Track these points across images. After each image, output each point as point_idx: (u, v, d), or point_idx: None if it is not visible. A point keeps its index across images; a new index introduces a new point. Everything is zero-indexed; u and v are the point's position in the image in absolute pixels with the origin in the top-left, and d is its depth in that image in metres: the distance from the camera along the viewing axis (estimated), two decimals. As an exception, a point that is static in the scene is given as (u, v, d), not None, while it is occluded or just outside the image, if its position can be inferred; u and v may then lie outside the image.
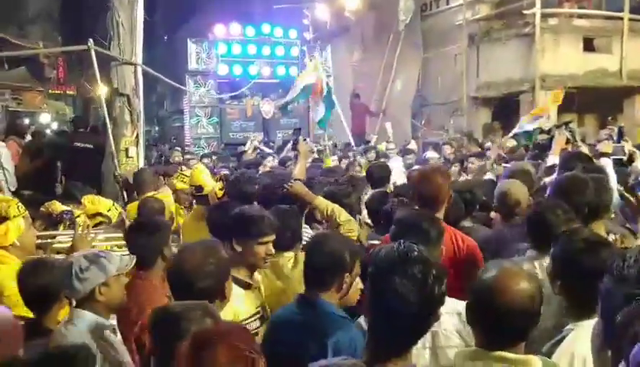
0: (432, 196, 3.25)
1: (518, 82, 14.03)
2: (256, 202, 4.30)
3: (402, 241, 1.82)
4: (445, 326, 2.33)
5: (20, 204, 3.09)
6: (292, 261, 3.29)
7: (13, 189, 7.56)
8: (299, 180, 4.27)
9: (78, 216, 3.61)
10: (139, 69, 6.83)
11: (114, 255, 2.58)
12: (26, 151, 8.59)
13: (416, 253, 1.74)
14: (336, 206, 3.84)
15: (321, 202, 3.89)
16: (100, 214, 3.69)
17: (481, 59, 15.14)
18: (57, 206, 3.70)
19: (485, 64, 15.03)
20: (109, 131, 6.65)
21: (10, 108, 14.31)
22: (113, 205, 4.01)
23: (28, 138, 9.70)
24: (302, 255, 3.22)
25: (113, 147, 6.64)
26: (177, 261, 2.38)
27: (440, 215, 3.22)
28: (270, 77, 15.35)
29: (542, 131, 7.39)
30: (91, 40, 6.62)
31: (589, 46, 13.94)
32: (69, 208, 3.66)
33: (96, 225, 3.53)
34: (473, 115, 15.38)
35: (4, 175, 7.55)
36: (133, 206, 4.59)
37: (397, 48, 16.60)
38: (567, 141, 5.97)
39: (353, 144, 12.12)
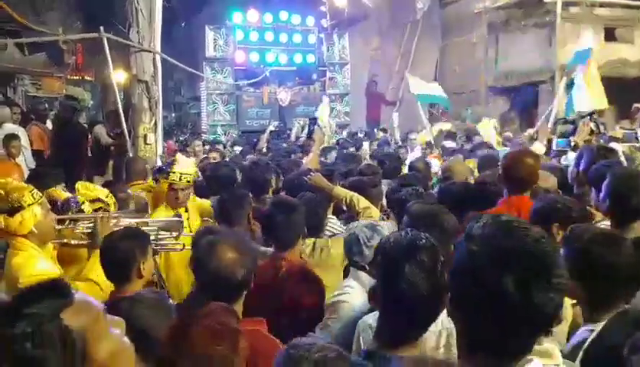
0: (523, 177, 3.31)
1: (537, 72, 13.87)
2: (284, 193, 4.40)
3: (409, 229, 1.88)
4: None
5: (35, 191, 3.08)
6: (309, 248, 3.33)
7: (32, 166, 7.73)
8: (309, 169, 4.36)
9: (83, 203, 3.57)
10: (158, 57, 6.86)
11: (383, 225, 2.99)
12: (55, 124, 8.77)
13: (424, 241, 1.78)
14: (355, 194, 3.87)
15: (340, 191, 3.95)
16: (100, 200, 3.64)
17: (500, 48, 14.98)
18: (60, 193, 3.70)
19: (504, 53, 14.87)
20: (122, 116, 6.75)
21: (29, 94, 14.43)
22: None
23: (48, 123, 9.81)
24: (320, 242, 3.31)
25: (126, 133, 6.72)
26: (211, 253, 2.28)
27: (527, 195, 3.30)
28: (287, 65, 15.35)
29: (566, 121, 7.30)
30: (102, 27, 6.67)
31: (610, 35, 13.74)
32: (72, 195, 3.64)
33: (95, 211, 3.49)
34: (491, 104, 15.25)
35: (23, 155, 7.75)
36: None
37: (415, 36, 16.49)
38: (591, 132, 5.91)
39: (361, 132, 12.14)
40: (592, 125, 6.05)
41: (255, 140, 10.95)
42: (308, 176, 4.15)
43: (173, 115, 24.09)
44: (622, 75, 13.45)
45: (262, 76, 14.29)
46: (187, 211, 4.21)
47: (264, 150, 9.15)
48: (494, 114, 14.93)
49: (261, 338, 2.09)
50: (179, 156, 4.38)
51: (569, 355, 2.01)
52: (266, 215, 3.10)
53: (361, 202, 3.81)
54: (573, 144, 5.55)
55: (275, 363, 1.43)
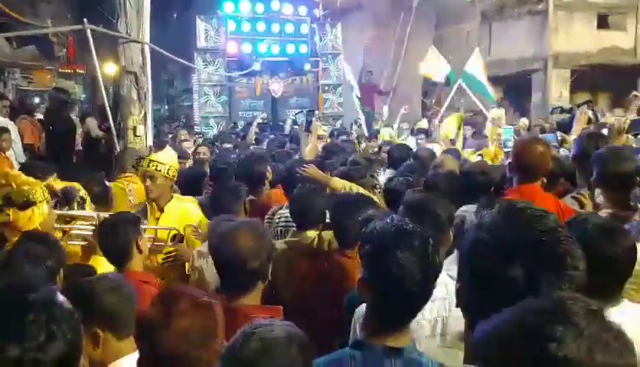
0: (534, 165, 3.20)
1: (530, 61, 13.88)
2: (281, 185, 4.37)
3: (392, 216, 1.87)
4: (457, 313, 2.24)
5: (44, 188, 3.05)
6: (315, 241, 3.25)
7: (22, 160, 7.67)
8: (305, 161, 4.28)
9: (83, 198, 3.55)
10: (147, 48, 6.78)
11: None
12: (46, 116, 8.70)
13: (411, 226, 1.77)
14: (353, 185, 3.78)
15: (337, 182, 3.85)
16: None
17: (493, 36, 14.98)
18: (57, 183, 3.65)
19: (497, 42, 14.86)
20: (108, 109, 6.69)
21: (20, 87, 14.35)
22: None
23: (38, 116, 9.75)
24: (326, 234, 3.22)
25: (113, 126, 6.66)
26: (228, 239, 2.34)
27: (538, 184, 3.20)
28: (280, 55, 15.25)
29: (562, 111, 7.28)
30: (85, 19, 6.59)
31: (603, 23, 13.75)
32: (70, 184, 3.60)
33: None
34: (484, 93, 15.21)
35: (13, 149, 7.69)
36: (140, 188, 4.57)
37: (409, 25, 16.42)
38: (589, 121, 5.87)
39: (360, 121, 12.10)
40: (589, 113, 6.03)
41: (242, 133, 10.90)
42: (302, 168, 4.05)
43: (166, 107, 24.00)
44: (615, 62, 13.46)
45: (254, 67, 14.20)
46: (162, 211, 3.84)
47: (253, 141, 9.09)
48: (487, 103, 14.92)
49: (265, 312, 2.12)
50: (167, 147, 4.23)
51: None
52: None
53: (361, 191, 3.67)
54: (560, 138, 5.49)
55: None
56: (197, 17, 14.86)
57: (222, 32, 14.82)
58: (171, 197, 3.92)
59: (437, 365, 1.77)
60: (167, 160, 3.85)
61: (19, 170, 5.41)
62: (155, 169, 3.77)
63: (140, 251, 2.86)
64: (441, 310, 2.19)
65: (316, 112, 13.58)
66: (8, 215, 2.88)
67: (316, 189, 3.53)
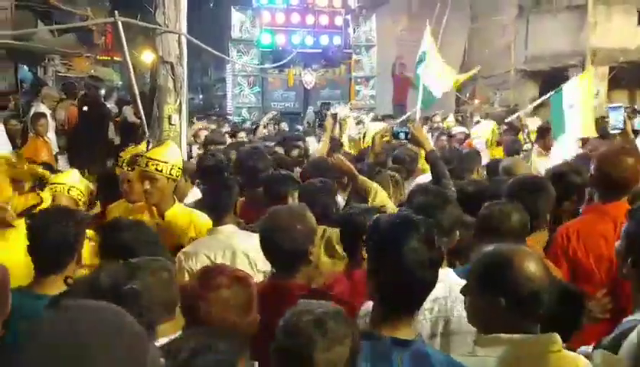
0: (621, 180, 2.87)
1: (568, 56, 13.64)
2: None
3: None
4: (458, 313, 2.20)
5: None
6: (319, 235, 3.20)
7: (56, 150, 7.90)
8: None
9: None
10: (183, 38, 6.92)
11: None
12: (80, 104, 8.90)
13: (416, 218, 1.86)
14: (377, 189, 3.61)
15: (364, 180, 3.71)
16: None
17: (530, 30, 14.75)
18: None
19: (534, 36, 14.63)
20: (138, 99, 6.83)
21: (60, 74, 14.68)
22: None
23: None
24: (330, 231, 3.21)
25: (143, 114, 6.82)
26: (268, 223, 2.48)
27: (625, 201, 2.83)
28: (313, 47, 15.27)
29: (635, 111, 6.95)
30: (117, 12, 6.75)
31: (643, 19, 13.42)
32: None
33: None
34: (520, 88, 15.03)
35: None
36: None
37: (444, 18, 16.26)
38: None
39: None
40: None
41: (254, 127, 10.90)
42: (332, 157, 3.95)
43: (200, 96, 24.23)
44: (656, 59, 13.13)
45: (288, 58, 14.26)
46: (162, 218, 3.34)
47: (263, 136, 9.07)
48: (522, 98, 14.73)
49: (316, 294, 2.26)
50: (169, 142, 3.78)
51: (609, 346, 1.91)
52: None
53: (378, 197, 3.51)
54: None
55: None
56: (232, 8, 14.98)
57: (257, 23, 14.92)
58: (174, 201, 3.40)
59: (443, 356, 1.83)
60: (169, 157, 3.32)
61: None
62: (156, 169, 3.25)
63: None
64: (442, 310, 2.20)
65: (339, 103, 13.43)
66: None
67: (320, 186, 3.45)
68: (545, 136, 6.60)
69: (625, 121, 4.89)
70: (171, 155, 3.34)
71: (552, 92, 6.96)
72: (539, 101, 8.98)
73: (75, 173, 3.81)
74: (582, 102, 6.67)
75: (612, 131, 5.24)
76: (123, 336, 0.92)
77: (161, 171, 3.24)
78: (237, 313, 1.89)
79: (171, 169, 3.28)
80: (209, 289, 1.89)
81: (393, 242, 1.78)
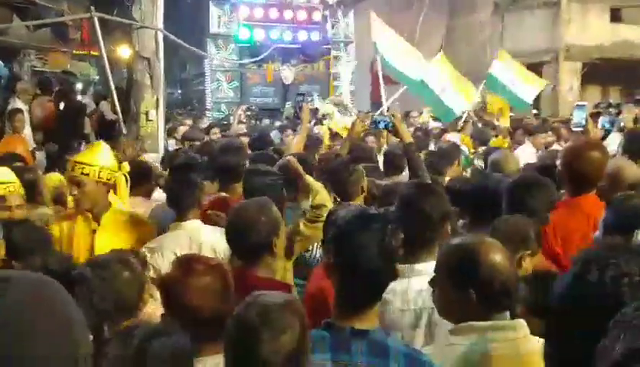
0: (589, 174, 2.89)
1: (543, 53, 13.83)
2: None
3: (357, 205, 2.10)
4: None
5: None
6: None
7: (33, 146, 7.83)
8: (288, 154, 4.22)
9: None
10: (160, 34, 6.92)
11: None
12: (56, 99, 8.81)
13: (372, 211, 1.97)
14: (319, 188, 3.22)
15: (309, 181, 3.32)
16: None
17: (505, 27, 14.93)
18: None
19: (510, 33, 14.81)
20: (114, 95, 6.82)
21: (36, 68, 14.50)
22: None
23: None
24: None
25: (119, 110, 6.82)
26: (234, 215, 2.64)
27: (594, 193, 2.88)
28: (292, 42, 15.27)
29: (610, 106, 7.08)
30: (93, 7, 6.74)
31: (616, 16, 13.67)
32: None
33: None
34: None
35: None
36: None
37: (421, 14, 16.40)
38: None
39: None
40: (637, 111, 5.91)
41: (224, 122, 10.84)
42: (287, 158, 3.66)
43: (179, 91, 24.03)
44: (629, 56, 13.39)
45: (266, 54, 14.25)
46: (98, 223, 3.14)
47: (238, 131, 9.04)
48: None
49: (274, 285, 2.37)
50: (99, 143, 3.51)
51: None
52: None
53: (317, 199, 3.12)
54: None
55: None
56: (210, 3, 14.91)
57: (234, 18, 14.88)
58: (110, 204, 3.20)
59: (402, 346, 1.87)
60: (97, 160, 3.13)
61: None
62: (82, 173, 3.07)
63: None
64: (426, 301, 2.20)
65: (318, 95, 13.42)
66: None
67: (269, 185, 3.32)
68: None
69: (587, 120, 5.04)
70: (100, 158, 3.15)
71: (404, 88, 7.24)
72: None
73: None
74: (451, 78, 7.01)
75: (574, 129, 5.40)
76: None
77: (87, 175, 3.05)
78: (217, 299, 1.96)
79: (100, 172, 3.09)
80: (189, 275, 1.97)
81: (348, 236, 1.85)
